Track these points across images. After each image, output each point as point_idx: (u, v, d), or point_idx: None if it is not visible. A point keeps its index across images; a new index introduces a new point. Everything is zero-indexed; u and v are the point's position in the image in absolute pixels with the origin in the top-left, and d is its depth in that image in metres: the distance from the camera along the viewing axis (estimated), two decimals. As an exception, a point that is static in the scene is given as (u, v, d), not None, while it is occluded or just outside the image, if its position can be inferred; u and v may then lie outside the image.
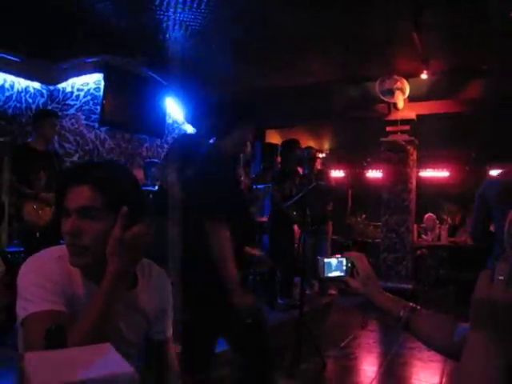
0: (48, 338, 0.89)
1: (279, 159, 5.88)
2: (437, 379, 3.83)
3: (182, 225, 2.44)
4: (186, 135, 5.29)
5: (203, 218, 2.23)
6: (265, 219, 6.25)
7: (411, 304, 1.20)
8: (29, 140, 4.45)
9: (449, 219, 8.55)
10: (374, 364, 4.31)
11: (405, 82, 6.65)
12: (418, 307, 1.19)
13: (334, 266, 1.28)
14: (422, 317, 1.16)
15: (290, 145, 5.55)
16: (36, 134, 4.40)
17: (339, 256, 1.29)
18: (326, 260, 1.28)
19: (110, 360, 0.66)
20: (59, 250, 1.29)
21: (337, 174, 9.51)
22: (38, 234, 4.16)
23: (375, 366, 4.22)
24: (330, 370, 3.98)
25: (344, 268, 1.28)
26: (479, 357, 0.73)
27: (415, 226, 7.64)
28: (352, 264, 1.28)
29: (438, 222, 8.38)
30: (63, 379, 0.58)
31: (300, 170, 6.02)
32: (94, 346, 0.70)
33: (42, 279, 1.20)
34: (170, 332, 1.49)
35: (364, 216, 9.83)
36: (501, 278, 0.72)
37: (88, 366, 0.63)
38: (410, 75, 6.58)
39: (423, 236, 8.19)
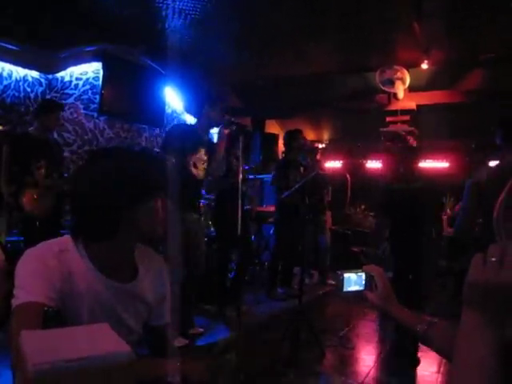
0: (45, 321, 0.90)
1: (282, 148, 5.90)
2: (435, 368, 3.85)
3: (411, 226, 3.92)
4: (184, 124, 5.25)
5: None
6: (264, 209, 6.27)
7: (428, 318, 1.20)
8: (30, 129, 4.44)
9: (448, 210, 8.53)
10: (373, 353, 4.32)
11: (405, 71, 6.61)
12: (435, 320, 1.18)
13: (354, 280, 1.29)
14: (439, 330, 1.16)
15: (294, 134, 5.57)
16: (39, 124, 4.39)
17: (359, 270, 1.30)
18: (345, 275, 1.28)
19: (107, 339, 0.65)
20: (60, 244, 1.28)
21: (336, 164, 9.50)
22: (37, 223, 4.15)
23: (374, 356, 4.24)
24: (328, 359, 3.99)
25: (363, 282, 1.29)
26: (473, 338, 0.73)
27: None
28: (371, 278, 1.28)
29: (437, 212, 8.36)
30: (59, 357, 0.58)
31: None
32: (92, 326, 0.69)
33: (40, 270, 1.19)
34: (168, 317, 1.49)
35: (363, 206, 9.82)
36: (493, 259, 0.72)
37: (85, 344, 0.63)
38: (411, 65, 6.54)
39: (422, 226, 8.18)
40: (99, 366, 0.59)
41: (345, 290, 1.28)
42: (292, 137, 5.55)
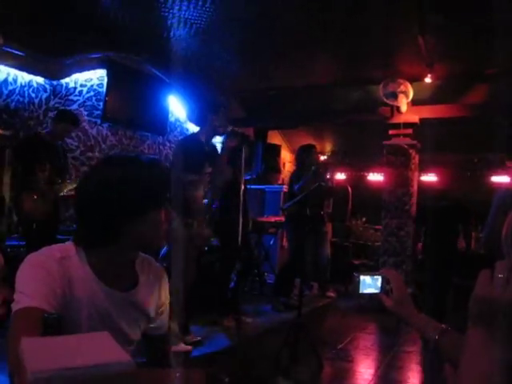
0: (45, 328, 0.89)
1: (284, 160, 5.94)
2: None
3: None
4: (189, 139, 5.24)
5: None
6: (264, 219, 6.26)
7: (442, 326, 1.19)
8: (44, 131, 4.53)
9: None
10: (371, 367, 4.29)
11: (408, 85, 6.63)
12: (449, 329, 1.18)
13: (370, 283, 1.29)
14: (451, 339, 1.15)
15: (308, 149, 5.60)
16: (51, 129, 4.54)
17: (375, 273, 1.30)
18: (361, 277, 1.29)
19: (107, 348, 0.64)
20: (62, 251, 1.27)
21: (338, 176, 9.49)
22: (35, 225, 4.16)
23: (372, 369, 4.21)
24: (326, 372, 3.97)
25: (379, 285, 1.29)
26: (479, 353, 0.73)
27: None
28: (387, 282, 1.28)
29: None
30: (59, 365, 0.57)
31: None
32: (92, 334, 0.68)
33: (41, 276, 1.18)
34: (167, 327, 1.48)
35: (364, 219, 9.81)
36: (500, 276, 0.72)
37: (85, 353, 0.62)
38: (414, 79, 6.56)
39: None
40: (99, 376, 0.58)
41: (360, 291, 1.29)
42: (305, 151, 5.58)
